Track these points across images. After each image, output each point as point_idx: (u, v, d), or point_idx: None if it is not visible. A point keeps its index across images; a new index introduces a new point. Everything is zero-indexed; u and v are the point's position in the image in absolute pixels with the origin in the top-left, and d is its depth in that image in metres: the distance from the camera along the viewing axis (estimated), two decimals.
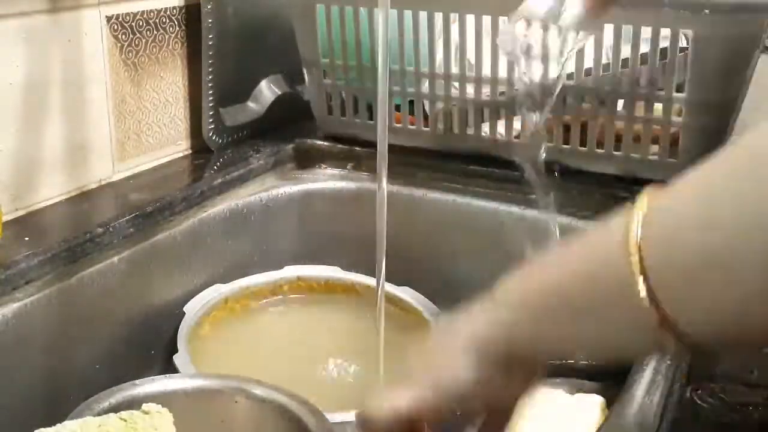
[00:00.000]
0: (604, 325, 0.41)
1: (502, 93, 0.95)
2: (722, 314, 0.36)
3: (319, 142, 1.06)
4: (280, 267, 0.92)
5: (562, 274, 0.43)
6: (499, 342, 0.45)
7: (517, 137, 0.97)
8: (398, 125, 1.02)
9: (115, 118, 0.91)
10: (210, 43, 0.99)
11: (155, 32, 0.94)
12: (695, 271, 0.36)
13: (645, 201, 0.39)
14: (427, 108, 1.01)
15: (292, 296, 0.91)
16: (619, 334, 0.41)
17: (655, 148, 0.90)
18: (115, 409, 0.59)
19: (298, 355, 0.84)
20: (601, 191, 0.91)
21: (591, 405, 0.75)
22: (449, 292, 0.95)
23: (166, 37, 0.96)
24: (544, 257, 0.46)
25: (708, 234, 0.36)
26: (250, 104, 1.09)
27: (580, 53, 0.90)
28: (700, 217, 0.37)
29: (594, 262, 0.41)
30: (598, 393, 0.78)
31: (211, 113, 1.01)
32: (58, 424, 0.54)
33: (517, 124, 0.97)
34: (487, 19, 0.91)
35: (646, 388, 0.60)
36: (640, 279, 0.37)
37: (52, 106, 0.83)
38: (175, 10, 0.96)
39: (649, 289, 0.37)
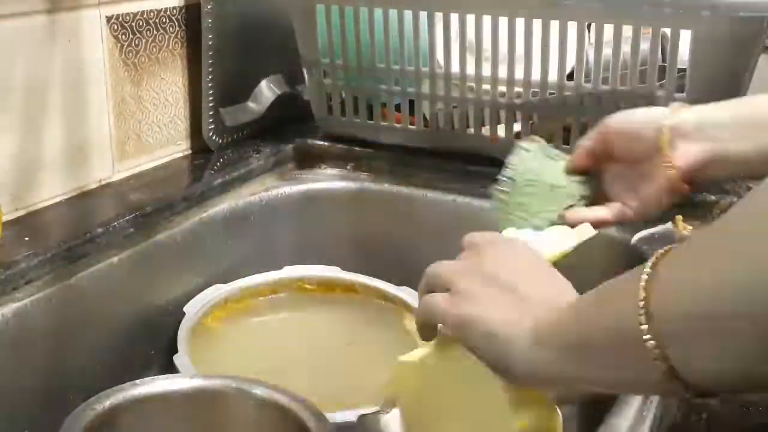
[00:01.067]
0: (616, 372, 0.43)
1: (502, 94, 0.95)
2: (725, 373, 0.37)
3: (319, 142, 1.06)
4: (280, 267, 0.92)
5: (583, 326, 0.44)
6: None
7: (517, 137, 0.97)
8: (398, 125, 1.02)
9: (115, 118, 0.91)
10: (210, 43, 0.99)
11: (155, 32, 0.94)
12: (699, 330, 0.37)
13: (654, 261, 0.40)
14: (426, 108, 1.01)
15: (291, 296, 0.91)
16: (633, 381, 0.42)
17: None
18: (115, 409, 0.59)
19: (298, 355, 0.84)
20: None
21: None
22: None
23: (166, 37, 0.96)
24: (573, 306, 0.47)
25: (710, 296, 0.36)
26: (250, 104, 1.09)
27: (580, 54, 0.90)
28: (704, 279, 0.37)
29: (608, 318, 0.42)
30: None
31: (211, 113, 1.01)
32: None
33: (516, 125, 0.97)
34: (487, 19, 0.92)
35: None
36: (647, 331, 0.38)
37: (52, 106, 0.83)
38: (175, 10, 0.96)
39: (657, 343, 0.38)
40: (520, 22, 0.90)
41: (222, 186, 0.95)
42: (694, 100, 0.87)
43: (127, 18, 0.90)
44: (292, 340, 0.86)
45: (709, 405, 0.54)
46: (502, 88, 0.95)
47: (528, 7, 0.90)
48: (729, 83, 0.87)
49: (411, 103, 1.01)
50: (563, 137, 0.94)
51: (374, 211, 1.01)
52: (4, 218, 0.77)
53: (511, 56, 0.92)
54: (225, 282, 0.89)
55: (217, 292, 0.86)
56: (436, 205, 0.98)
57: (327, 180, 1.03)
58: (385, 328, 0.87)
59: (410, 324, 0.86)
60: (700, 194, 0.86)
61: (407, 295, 0.87)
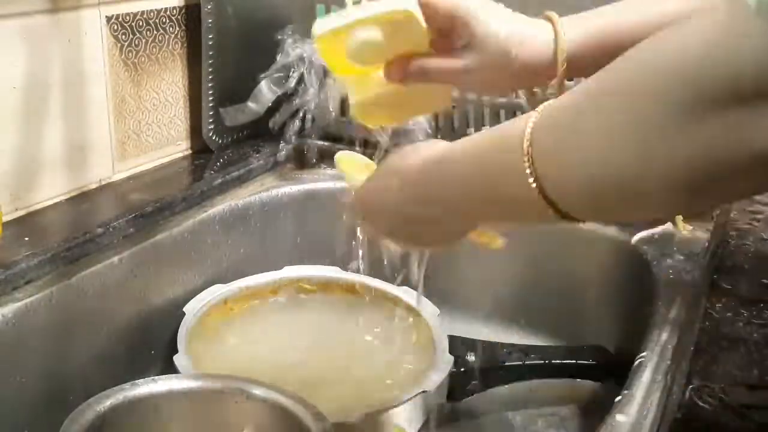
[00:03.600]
0: (498, 204, 0.49)
1: None
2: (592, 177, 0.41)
3: (319, 142, 1.06)
4: (280, 267, 0.92)
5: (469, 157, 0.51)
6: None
7: None
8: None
9: (115, 118, 0.91)
10: (210, 43, 0.99)
11: (155, 32, 0.94)
12: (566, 134, 0.43)
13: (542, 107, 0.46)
14: None
15: (291, 296, 0.91)
16: (510, 209, 0.49)
17: None
18: (115, 409, 0.59)
19: (298, 355, 0.84)
20: None
21: None
22: (450, 292, 0.95)
23: (166, 37, 0.96)
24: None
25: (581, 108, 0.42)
26: (250, 104, 1.09)
27: None
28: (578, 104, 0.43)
29: (495, 150, 0.48)
30: (597, 392, 0.77)
31: (211, 113, 1.01)
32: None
33: None
34: None
35: (646, 388, 0.60)
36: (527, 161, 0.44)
37: (52, 106, 0.83)
38: (175, 10, 0.96)
39: (532, 168, 0.43)
40: None
41: (222, 186, 0.95)
42: None
43: (127, 18, 0.90)
44: (292, 341, 0.86)
45: (709, 405, 0.54)
46: None
47: (530, 6, 0.89)
48: None
49: None
50: None
51: None
52: (4, 218, 0.77)
53: None
54: (225, 282, 0.89)
55: (217, 292, 0.86)
56: None
57: (327, 180, 1.03)
58: (384, 328, 0.87)
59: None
60: None
61: (407, 295, 0.88)
